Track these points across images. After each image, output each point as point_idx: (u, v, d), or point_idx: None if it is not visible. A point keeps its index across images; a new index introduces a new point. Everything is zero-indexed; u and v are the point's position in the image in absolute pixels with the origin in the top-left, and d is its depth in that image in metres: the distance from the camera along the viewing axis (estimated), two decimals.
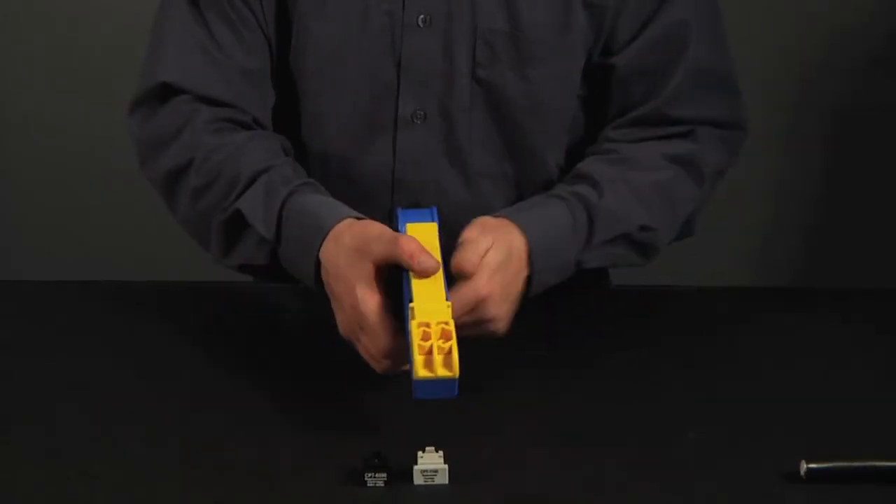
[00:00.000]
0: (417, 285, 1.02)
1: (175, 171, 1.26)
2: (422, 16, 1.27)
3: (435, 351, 0.97)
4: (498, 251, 1.11)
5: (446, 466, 0.96)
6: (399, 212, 1.12)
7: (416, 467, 0.96)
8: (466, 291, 1.07)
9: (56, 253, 2.36)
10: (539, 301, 1.32)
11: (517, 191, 1.35)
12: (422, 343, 0.97)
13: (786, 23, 2.18)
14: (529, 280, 1.15)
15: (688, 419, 1.08)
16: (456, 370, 0.96)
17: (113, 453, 1.02)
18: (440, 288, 1.02)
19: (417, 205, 1.31)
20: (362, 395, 1.10)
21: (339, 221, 1.13)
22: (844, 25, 2.22)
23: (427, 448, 0.97)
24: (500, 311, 1.10)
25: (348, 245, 1.09)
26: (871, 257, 2.27)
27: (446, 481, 0.96)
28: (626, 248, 1.25)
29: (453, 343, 0.97)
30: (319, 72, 1.30)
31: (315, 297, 1.14)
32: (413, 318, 0.99)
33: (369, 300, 1.04)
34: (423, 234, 1.07)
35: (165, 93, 1.28)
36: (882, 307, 1.32)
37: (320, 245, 1.12)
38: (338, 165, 1.33)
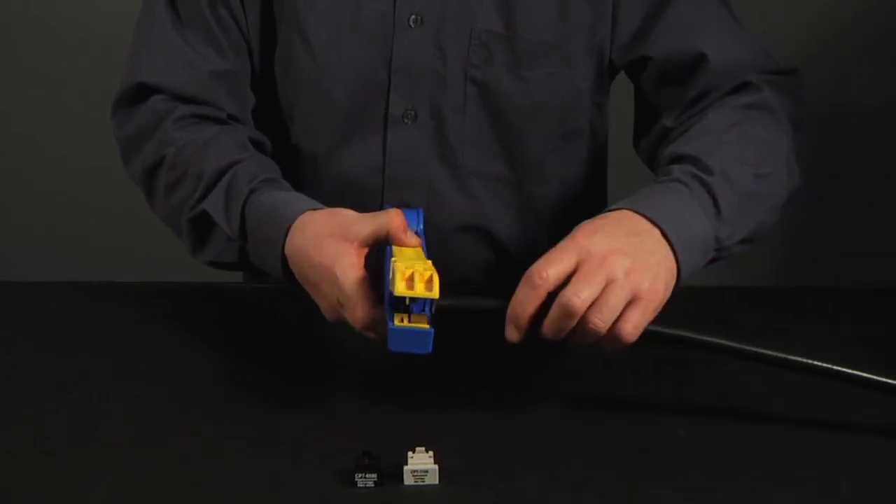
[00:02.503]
0: (399, 254, 1.04)
1: (150, 169, 1.28)
2: (413, 16, 1.27)
3: (417, 278, 0.98)
4: (587, 223, 1.05)
5: (436, 467, 0.96)
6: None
7: (406, 468, 0.96)
8: (557, 251, 1.02)
9: (55, 253, 2.37)
10: None
11: (517, 195, 1.35)
12: (404, 270, 0.98)
13: (767, 22, 2.18)
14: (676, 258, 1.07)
15: (680, 418, 1.08)
16: (436, 291, 0.97)
17: (107, 454, 1.02)
18: (423, 258, 1.04)
19: (408, 206, 1.32)
20: (352, 396, 1.10)
21: (298, 215, 1.12)
22: (827, 25, 2.22)
23: (417, 448, 0.97)
24: (620, 263, 1.01)
25: (318, 232, 1.09)
26: (857, 257, 2.28)
27: (436, 481, 0.96)
28: (753, 205, 1.16)
29: (434, 273, 0.98)
30: (309, 71, 1.30)
31: (309, 298, 1.14)
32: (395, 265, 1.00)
33: (350, 274, 1.04)
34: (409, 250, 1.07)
35: (143, 93, 1.30)
36: (870, 305, 1.33)
37: (284, 240, 1.12)
38: (328, 164, 1.33)
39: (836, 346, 1.22)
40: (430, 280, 0.98)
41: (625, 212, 1.08)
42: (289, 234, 1.12)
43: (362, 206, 1.31)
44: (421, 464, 0.96)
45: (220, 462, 1.01)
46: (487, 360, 1.16)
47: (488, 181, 1.34)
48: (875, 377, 1.05)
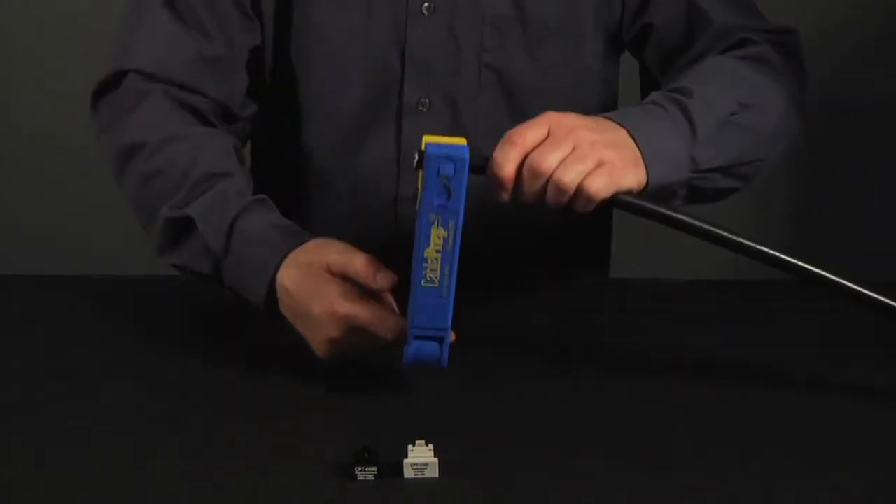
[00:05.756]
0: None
1: (128, 147, 1.25)
2: (426, 4, 1.28)
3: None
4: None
5: (436, 460, 0.96)
6: (428, 146, 1.04)
7: (405, 461, 0.96)
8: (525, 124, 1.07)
9: (55, 252, 2.36)
10: (533, 294, 1.33)
11: None
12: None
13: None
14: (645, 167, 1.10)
15: (679, 412, 1.08)
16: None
17: (103, 453, 1.02)
18: None
19: None
20: (352, 389, 1.10)
21: (296, 246, 1.13)
22: (826, 20, 2.22)
23: (417, 442, 0.97)
24: (587, 135, 1.07)
25: (310, 263, 1.11)
26: (857, 254, 2.27)
27: (436, 475, 0.96)
28: (735, 133, 1.19)
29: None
30: (323, 61, 1.30)
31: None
32: None
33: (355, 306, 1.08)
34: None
35: (123, 77, 1.28)
36: None
37: (277, 266, 1.12)
38: (342, 154, 1.33)
39: (836, 339, 1.22)
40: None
41: (596, 117, 1.12)
42: (283, 264, 1.13)
43: (376, 194, 1.32)
44: (421, 457, 0.96)
45: (221, 460, 1.00)
46: (487, 355, 1.16)
47: None
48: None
